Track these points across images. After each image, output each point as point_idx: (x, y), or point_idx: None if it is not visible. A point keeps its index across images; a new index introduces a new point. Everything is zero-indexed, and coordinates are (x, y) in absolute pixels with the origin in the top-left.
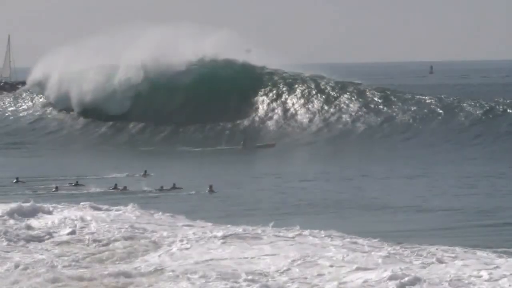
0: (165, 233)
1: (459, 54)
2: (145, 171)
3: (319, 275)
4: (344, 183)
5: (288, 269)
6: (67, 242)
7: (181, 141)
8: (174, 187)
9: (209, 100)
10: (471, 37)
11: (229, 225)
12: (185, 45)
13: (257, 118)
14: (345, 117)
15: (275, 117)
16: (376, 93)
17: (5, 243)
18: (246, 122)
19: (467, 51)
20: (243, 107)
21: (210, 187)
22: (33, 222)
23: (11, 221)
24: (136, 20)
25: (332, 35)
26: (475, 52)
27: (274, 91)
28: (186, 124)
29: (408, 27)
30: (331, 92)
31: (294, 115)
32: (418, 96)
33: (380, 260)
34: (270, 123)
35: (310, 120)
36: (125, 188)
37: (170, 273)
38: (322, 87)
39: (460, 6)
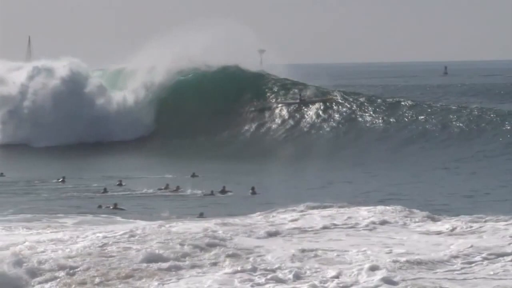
0: None
1: (475, 55)
2: (193, 173)
3: None
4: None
5: None
6: None
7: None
8: (224, 190)
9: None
10: (487, 37)
11: None
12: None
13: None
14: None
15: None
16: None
17: None
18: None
19: (483, 52)
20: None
21: (253, 188)
22: None
23: None
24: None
25: (347, 35)
26: (491, 53)
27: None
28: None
29: (424, 26)
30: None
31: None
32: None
33: None
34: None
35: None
36: (177, 188)
37: None
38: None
39: (477, 5)
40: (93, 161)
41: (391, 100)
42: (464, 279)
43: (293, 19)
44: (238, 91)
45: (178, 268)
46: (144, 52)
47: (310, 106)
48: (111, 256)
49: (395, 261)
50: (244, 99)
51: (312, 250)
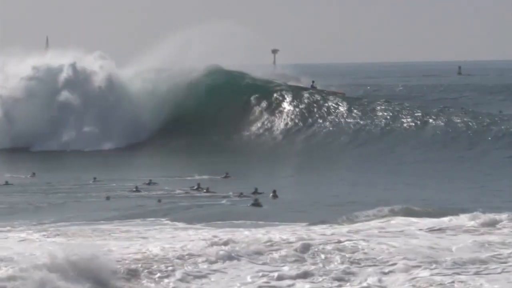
0: None
1: (489, 54)
2: (226, 173)
3: None
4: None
5: None
6: None
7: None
8: (256, 192)
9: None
10: (501, 36)
11: None
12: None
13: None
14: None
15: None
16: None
17: None
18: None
19: (497, 51)
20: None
21: (274, 192)
22: None
23: None
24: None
25: (362, 35)
26: (506, 52)
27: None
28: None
29: (437, 26)
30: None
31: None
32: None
33: None
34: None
35: None
36: (208, 189)
37: None
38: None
39: (492, 4)
40: (114, 162)
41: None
42: None
43: (306, 18)
44: (254, 90)
45: None
46: (157, 52)
47: (338, 106)
48: None
49: None
50: (260, 99)
51: None
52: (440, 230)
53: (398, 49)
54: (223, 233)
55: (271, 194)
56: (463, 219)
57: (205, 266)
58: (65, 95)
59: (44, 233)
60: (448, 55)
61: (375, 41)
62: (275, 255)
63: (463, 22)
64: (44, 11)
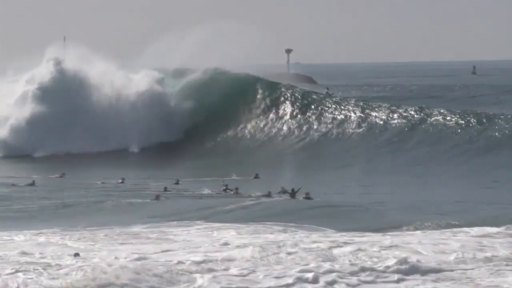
0: None
1: (503, 54)
2: (256, 174)
3: None
4: None
5: None
6: None
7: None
8: (285, 191)
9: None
10: None
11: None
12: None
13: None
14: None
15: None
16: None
17: None
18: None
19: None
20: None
21: (307, 194)
22: None
23: None
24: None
25: (378, 35)
26: None
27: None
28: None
29: (453, 26)
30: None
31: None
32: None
33: None
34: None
35: None
36: (236, 190)
37: None
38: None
39: (506, 4)
40: (135, 163)
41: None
42: None
43: (320, 18)
44: (278, 92)
45: None
46: (174, 51)
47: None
48: None
49: None
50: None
51: None
52: None
53: (411, 49)
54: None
55: (303, 196)
56: None
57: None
58: (91, 98)
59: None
60: (460, 55)
61: (388, 41)
62: None
63: (476, 22)
64: (60, 10)
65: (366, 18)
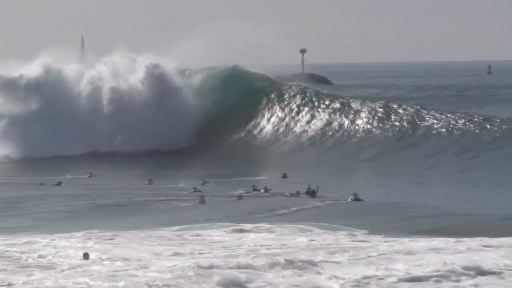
0: None
1: None
2: (284, 174)
3: None
4: None
5: None
6: None
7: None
8: (310, 191)
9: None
10: None
11: None
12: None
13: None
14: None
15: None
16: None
17: None
18: None
19: None
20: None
21: (355, 195)
22: None
23: None
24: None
25: (391, 35)
26: None
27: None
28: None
29: (468, 26)
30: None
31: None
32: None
33: None
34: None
35: None
36: (266, 189)
37: None
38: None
39: None
40: (159, 165)
41: None
42: None
43: (335, 18)
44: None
45: None
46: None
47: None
48: None
49: None
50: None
51: None
52: None
53: (428, 49)
54: None
55: (351, 197)
56: None
57: None
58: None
59: None
60: (475, 54)
61: (403, 41)
62: None
63: (490, 22)
64: (79, 12)
65: (382, 18)
